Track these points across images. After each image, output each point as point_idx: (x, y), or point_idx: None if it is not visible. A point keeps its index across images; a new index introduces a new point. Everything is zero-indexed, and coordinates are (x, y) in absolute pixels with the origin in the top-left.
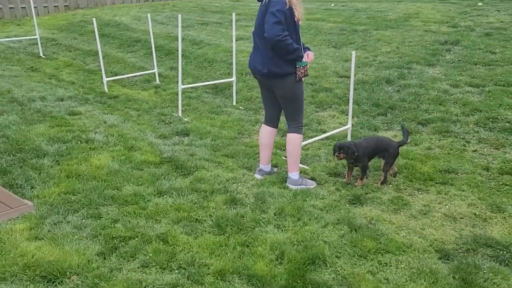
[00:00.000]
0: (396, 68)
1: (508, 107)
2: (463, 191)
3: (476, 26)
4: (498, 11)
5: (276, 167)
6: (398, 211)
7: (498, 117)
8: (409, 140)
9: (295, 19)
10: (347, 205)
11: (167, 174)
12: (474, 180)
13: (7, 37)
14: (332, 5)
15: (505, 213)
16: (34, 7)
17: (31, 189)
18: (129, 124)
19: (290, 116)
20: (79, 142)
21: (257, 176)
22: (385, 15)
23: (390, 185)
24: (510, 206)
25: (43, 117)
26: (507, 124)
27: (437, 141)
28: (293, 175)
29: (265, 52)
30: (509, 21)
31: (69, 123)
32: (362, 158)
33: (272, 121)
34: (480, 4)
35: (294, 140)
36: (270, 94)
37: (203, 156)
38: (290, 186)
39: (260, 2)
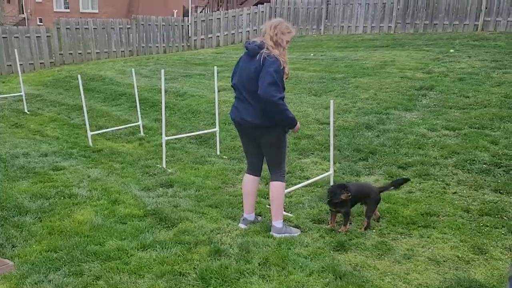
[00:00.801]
0: (375, 114)
1: (484, 149)
2: (445, 233)
3: (449, 72)
4: (469, 57)
5: (260, 215)
6: (382, 256)
7: (475, 159)
8: (392, 188)
9: (284, 76)
10: (332, 252)
11: (150, 227)
12: (456, 222)
13: None
14: (312, 54)
15: (487, 254)
16: (20, 64)
17: (12, 248)
18: (113, 178)
19: (274, 164)
20: (62, 198)
21: (241, 225)
22: (362, 63)
23: (374, 230)
24: (491, 248)
25: (26, 173)
26: (484, 165)
27: (417, 184)
28: (277, 223)
29: (257, 106)
30: (480, 66)
31: (53, 178)
32: (345, 204)
33: (255, 170)
34: (452, 51)
35: (277, 189)
36: (253, 144)
37: (187, 207)
38: (274, 234)
39: (249, 54)
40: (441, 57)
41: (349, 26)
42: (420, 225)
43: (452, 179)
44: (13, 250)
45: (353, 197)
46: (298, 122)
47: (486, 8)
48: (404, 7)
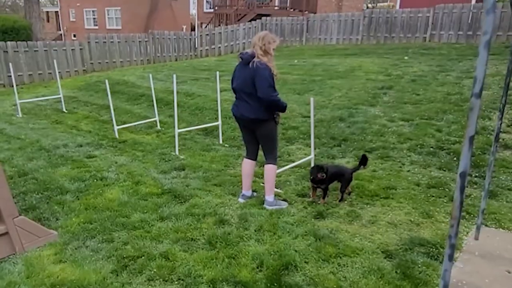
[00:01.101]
0: (346, 109)
1: (431, 136)
2: (401, 203)
3: (404, 75)
4: (420, 63)
5: (255, 191)
6: (352, 222)
7: (424, 143)
8: (362, 167)
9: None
10: (313, 219)
11: (167, 202)
12: (409, 194)
13: (36, 97)
14: (295, 61)
15: (433, 218)
16: (58, 72)
17: (56, 220)
18: (136, 163)
19: (268, 151)
20: (95, 180)
21: (240, 200)
22: (336, 68)
23: (346, 202)
24: (436, 213)
25: (66, 160)
26: (431, 149)
27: (380, 165)
28: (269, 197)
29: (253, 104)
30: (428, 70)
31: (87, 164)
32: (324, 181)
33: (252, 155)
34: (406, 58)
35: (270, 170)
36: (251, 135)
37: (196, 186)
38: (267, 207)
39: (242, 61)
40: (398, 63)
41: (325, 38)
42: (382, 196)
43: (407, 160)
44: (56, 222)
45: (331, 176)
46: (287, 106)
47: (432, 23)
48: (369, 23)
